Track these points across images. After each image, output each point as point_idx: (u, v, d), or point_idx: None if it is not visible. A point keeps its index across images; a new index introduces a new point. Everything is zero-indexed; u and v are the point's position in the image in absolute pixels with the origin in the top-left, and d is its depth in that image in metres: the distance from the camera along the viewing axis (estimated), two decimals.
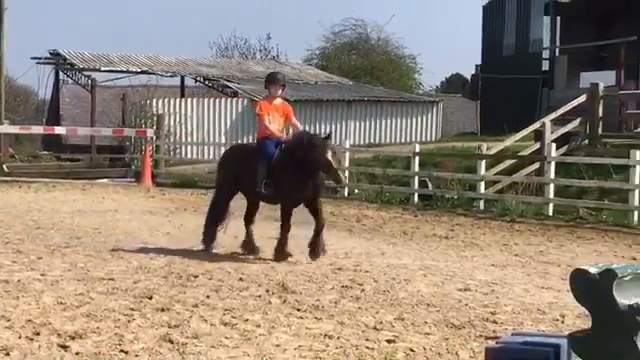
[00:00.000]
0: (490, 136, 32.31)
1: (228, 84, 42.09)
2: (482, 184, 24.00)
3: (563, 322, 9.87)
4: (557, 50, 41.38)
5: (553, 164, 22.78)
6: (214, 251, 14.41)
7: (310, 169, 13.30)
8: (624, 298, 5.71)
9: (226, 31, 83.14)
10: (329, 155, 13.20)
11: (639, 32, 35.02)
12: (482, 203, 23.51)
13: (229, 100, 40.31)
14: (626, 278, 5.79)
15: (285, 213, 13.73)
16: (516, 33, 43.34)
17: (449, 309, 10.54)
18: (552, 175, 22.52)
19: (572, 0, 41.13)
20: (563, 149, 24.70)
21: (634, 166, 20.32)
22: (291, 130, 14.80)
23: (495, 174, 24.63)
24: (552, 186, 22.29)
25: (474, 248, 16.41)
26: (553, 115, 25.77)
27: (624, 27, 36.99)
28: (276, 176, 13.58)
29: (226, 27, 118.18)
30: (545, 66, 41.86)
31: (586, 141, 25.52)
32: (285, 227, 13.64)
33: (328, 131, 16.90)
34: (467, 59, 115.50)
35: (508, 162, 25.09)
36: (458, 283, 12.41)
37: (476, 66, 47.34)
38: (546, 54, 42.18)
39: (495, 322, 9.86)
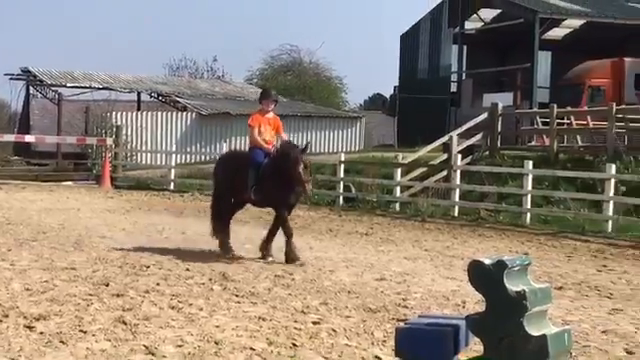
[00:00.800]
0: (406, 148, 32.48)
1: (178, 99, 41.92)
2: (398, 189, 24.22)
3: (464, 307, 9.97)
4: (463, 74, 41.90)
5: (459, 172, 23.04)
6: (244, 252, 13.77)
7: (288, 178, 12.82)
8: (513, 285, 5.82)
9: (177, 53, 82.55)
10: (300, 168, 12.63)
11: (532, 60, 35.65)
12: (398, 205, 23.66)
13: (179, 114, 40.16)
14: (515, 269, 5.90)
15: (281, 219, 13.27)
16: (429, 59, 43.71)
17: (367, 295, 10.61)
18: (458, 181, 22.76)
19: (477, 32, 41.75)
20: (467, 159, 24.97)
21: (527, 174, 20.64)
22: (279, 141, 13.93)
23: (409, 180, 24.83)
24: (458, 191, 22.52)
25: (390, 244, 16.50)
26: (459, 130, 26.08)
27: (520, 55, 37.64)
28: (264, 183, 13.07)
29: (177, 49, 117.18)
30: (453, 88, 42.41)
31: (487, 152, 25.79)
32: (287, 232, 13.13)
33: (306, 142, 15.77)
34: (387, 81, 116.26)
35: (420, 170, 25.28)
36: (375, 273, 12.49)
37: (394, 87, 47.73)
38: (454, 77, 42.70)
39: (406, 307, 9.94)
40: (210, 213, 14.33)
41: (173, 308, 9.32)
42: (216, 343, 7.83)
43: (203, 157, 33.50)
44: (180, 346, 7.70)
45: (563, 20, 39.33)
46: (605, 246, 16.91)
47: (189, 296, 10.04)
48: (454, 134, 25.24)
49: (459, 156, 23.87)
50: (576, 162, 23.04)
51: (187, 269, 12.09)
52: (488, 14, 41.23)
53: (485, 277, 5.85)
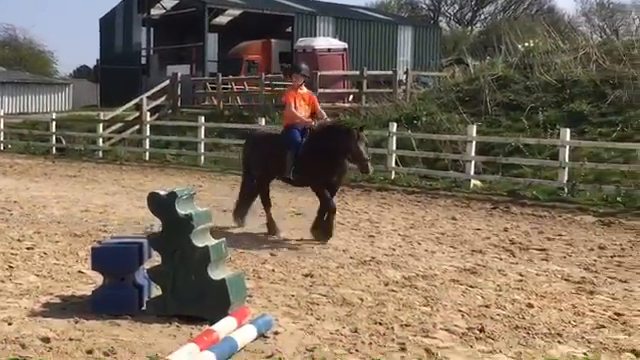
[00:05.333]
0: (107, 108, 31.36)
1: None
2: (100, 140, 23.49)
3: (151, 229, 9.76)
4: (151, 50, 41.20)
5: (148, 126, 22.70)
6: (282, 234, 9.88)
7: (339, 156, 9.37)
8: (182, 210, 5.80)
9: None
10: (362, 145, 9.24)
11: (203, 40, 35.68)
12: (101, 153, 22.92)
13: None
14: (184, 197, 5.89)
15: (320, 194, 9.61)
16: (123, 37, 42.29)
17: (74, 224, 10.17)
18: (148, 133, 22.41)
19: (160, 17, 41.19)
20: (155, 116, 24.60)
21: (201, 126, 20.77)
22: (317, 119, 10.11)
23: (109, 133, 24.10)
24: (148, 140, 22.23)
25: (94, 183, 15.90)
26: (148, 93, 25.56)
27: (194, 36, 37.53)
28: (304, 163, 9.52)
29: None
30: (144, 61, 41.51)
31: (170, 111, 25.55)
32: (326, 206, 9.53)
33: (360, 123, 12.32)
34: (92, 54, 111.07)
35: (118, 125, 24.62)
36: (81, 207, 12.00)
37: (97, 59, 46.11)
38: (144, 53, 41.83)
39: (105, 231, 9.65)
40: (239, 195, 10.67)
41: None
42: None
43: None
44: None
45: (226, 10, 39.75)
46: None
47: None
48: (144, 97, 24.70)
49: (148, 114, 23.57)
50: (237, 117, 23.44)
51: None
52: (169, 3, 40.73)
53: (160, 205, 5.81)
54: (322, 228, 9.51)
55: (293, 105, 9.86)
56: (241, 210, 10.48)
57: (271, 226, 9.96)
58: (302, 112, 9.87)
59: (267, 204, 10.16)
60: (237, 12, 40.36)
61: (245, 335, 5.23)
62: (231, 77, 27.86)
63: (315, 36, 34.84)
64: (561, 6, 71.56)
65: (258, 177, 10.28)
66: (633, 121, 15.59)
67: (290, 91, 10.25)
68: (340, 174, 9.72)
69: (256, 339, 5.32)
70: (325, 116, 10.16)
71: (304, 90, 10.19)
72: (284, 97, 10.38)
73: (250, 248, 8.82)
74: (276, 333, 5.51)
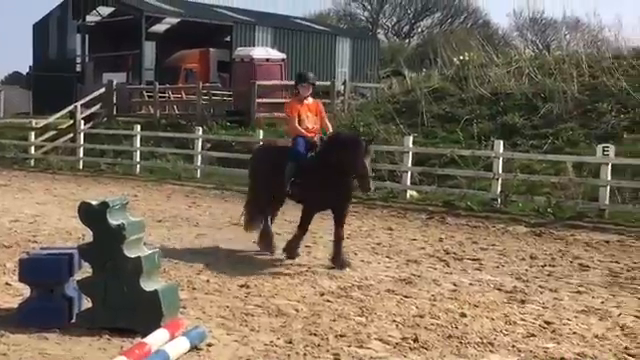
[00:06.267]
0: (40, 115, 30.65)
1: None
2: (32, 148, 22.97)
3: (83, 239, 9.61)
4: (87, 57, 40.53)
5: (82, 134, 22.33)
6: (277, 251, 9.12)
7: (342, 172, 8.36)
8: (114, 220, 5.69)
9: None
10: (367, 161, 8.28)
11: (140, 48, 35.30)
12: (33, 161, 22.41)
13: None
14: (116, 207, 5.77)
15: (305, 214, 8.79)
16: (58, 44, 41.53)
17: (2, 235, 9.89)
18: (82, 141, 22.03)
19: (96, 24, 40.60)
20: (90, 124, 24.15)
21: (136, 135, 20.54)
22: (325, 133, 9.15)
23: (42, 141, 23.55)
24: (82, 149, 21.87)
25: (25, 192, 15.52)
26: (83, 101, 25.06)
27: (131, 43, 37.07)
28: (305, 176, 8.69)
29: None
30: (78, 68, 40.81)
31: (105, 119, 25.10)
32: (302, 228, 8.77)
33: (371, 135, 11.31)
34: (24, 60, 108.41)
35: (51, 132, 24.04)
36: (10, 216, 11.68)
37: (30, 66, 44.97)
38: (79, 60, 41.14)
39: (35, 242, 9.42)
40: (246, 211, 9.75)
41: None
42: None
43: None
44: None
45: (164, 18, 39.39)
46: (195, 188, 17.24)
47: None
48: (78, 104, 24.23)
49: (83, 122, 23.16)
50: (174, 126, 23.19)
51: None
52: (105, 10, 40.11)
53: (91, 214, 5.69)
54: (286, 249, 8.78)
55: (296, 120, 8.90)
56: (264, 233, 9.28)
57: (264, 241, 9.23)
58: (310, 125, 8.95)
59: (266, 220, 9.31)
60: (175, 20, 40.02)
61: (178, 347, 5.15)
62: (168, 86, 27.60)
63: (254, 46, 34.77)
64: (496, 21, 73.03)
65: (261, 192, 9.38)
66: (563, 134, 15.99)
67: (293, 102, 9.21)
68: (346, 196, 8.68)
69: (189, 351, 5.24)
70: (330, 128, 9.26)
71: (310, 100, 9.13)
72: (286, 109, 9.41)
73: (185, 259, 8.70)
74: (210, 345, 5.44)
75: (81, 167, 21.28)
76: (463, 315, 6.52)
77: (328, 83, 24.76)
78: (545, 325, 6.33)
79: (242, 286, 7.40)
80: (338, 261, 8.46)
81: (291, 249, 8.80)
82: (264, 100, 22.72)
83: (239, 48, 32.74)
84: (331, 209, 8.70)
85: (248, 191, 9.99)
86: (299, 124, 8.93)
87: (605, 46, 21.77)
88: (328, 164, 8.37)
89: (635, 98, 16.07)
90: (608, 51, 20.06)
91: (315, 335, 5.79)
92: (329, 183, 8.41)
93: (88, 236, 9.55)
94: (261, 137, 17.67)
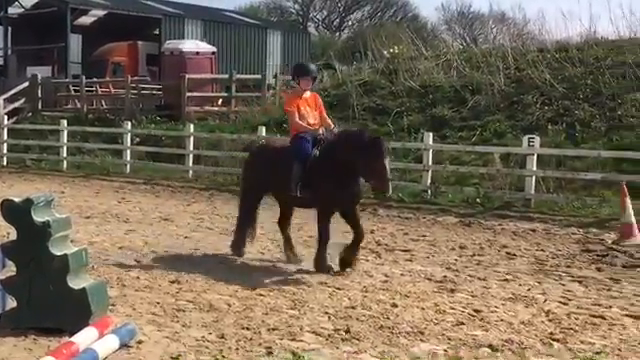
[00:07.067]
0: None
1: None
2: None
3: (8, 237, 9.37)
4: (9, 50, 39.35)
5: (6, 130, 21.65)
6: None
7: (355, 171, 7.87)
8: (39, 217, 5.57)
9: None
10: (387, 161, 7.69)
11: (66, 40, 34.54)
12: None
13: None
14: (40, 204, 5.64)
15: (323, 219, 8.14)
16: None
17: None
18: (5, 137, 21.42)
19: (19, 16, 39.47)
20: (14, 119, 23.50)
21: (63, 130, 20.11)
22: (326, 128, 8.45)
23: None
24: (5, 145, 21.31)
25: None
26: (5, 96, 24.34)
27: (56, 36, 36.17)
28: (314, 177, 8.00)
29: None
30: (0, 62, 39.58)
31: (30, 114, 24.47)
32: (324, 237, 8.11)
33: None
34: None
35: None
36: None
37: None
38: (1, 53, 39.89)
39: None
40: (238, 217, 8.96)
41: None
42: None
43: None
44: None
45: (90, 10, 38.53)
46: (125, 183, 16.98)
47: None
48: (1, 99, 23.53)
49: (6, 117, 22.43)
50: (102, 120, 22.76)
51: None
52: (29, 2, 38.97)
53: (15, 212, 5.54)
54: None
55: (297, 115, 8.29)
56: (241, 237, 8.74)
57: (237, 244, 8.73)
58: (310, 120, 8.34)
59: (250, 223, 8.75)
60: (101, 13, 39.17)
61: (107, 345, 5.06)
62: (95, 79, 27.04)
63: (183, 39, 34.34)
64: (425, 14, 74.08)
65: (251, 194, 8.79)
66: (491, 126, 16.32)
67: (292, 97, 8.59)
68: (358, 196, 8.24)
69: (119, 349, 5.16)
70: (331, 123, 8.58)
71: (308, 94, 8.49)
72: (286, 104, 8.77)
73: (115, 256, 8.57)
74: (140, 342, 5.36)
75: (5, 163, 20.70)
76: (394, 305, 6.60)
77: (259, 76, 24.71)
78: (474, 313, 6.46)
79: (173, 282, 7.32)
80: (348, 263, 8.03)
81: (322, 265, 7.98)
82: (194, 94, 22.49)
83: (168, 41, 32.28)
84: (342, 211, 8.16)
85: (241, 195, 9.17)
86: (300, 120, 8.30)
87: (530, 39, 22.33)
88: (340, 163, 7.78)
89: (558, 90, 16.53)
90: (533, 44, 20.58)
91: (247, 329, 5.77)
92: (343, 183, 7.88)
93: (13, 234, 9.39)
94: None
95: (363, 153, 7.58)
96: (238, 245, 8.69)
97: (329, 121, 8.57)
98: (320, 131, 8.25)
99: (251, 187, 8.83)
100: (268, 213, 9.15)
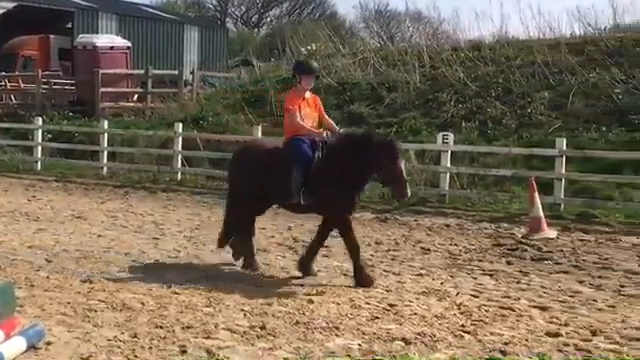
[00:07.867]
0: None
1: None
2: None
3: None
4: None
5: None
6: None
7: (365, 175, 7.43)
8: None
9: None
10: (402, 164, 7.30)
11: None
12: None
13: None
14: None
15: (344, 228, 7.53)
16: None
17: None
18: None
19: None
20: None
21: None
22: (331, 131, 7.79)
23: None
24: None
25: None
26: None
27: None
28: (318, 183, 7.41)
29: None
30: None
31: None
32: (353, 246, 7.50)
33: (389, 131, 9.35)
34: None
35: None
36: None
37: None
38: None
39: None
40: (224, 225, 8.39)
41: None
42: None
43: None
44: None
45: None
46: (35, 181, 16.51)
47: None
48: None
49: None
50: (11, 116, 22.03)
51: None
52: None
53: None
54: (357, 277, 7.40)
55: (298, 114, 7.68)
56: (249, 252, 8.01)
57: (249, 260, 7.96)
58: (309, 122, 7.76)
59: (249, 234, 8.02)
60: (11, 5, 37.83)
61: (14, 347, 4.91)
62: (4, 74, 26.15)
63: (97, 33, 33.58)
64: (343, 12, 74.65)
65: (245, 201, 7.99)
66: (407, 122, 16.59)
67: (293, 94, 7.91)
68: (359, 200, 7.87)
69: (26, 351, 5.01)
70: (333, 124, 7.95)
71: (308, 95, 7.90)
72: (286, 103, 7.91)
73: (23, 255, 8.31)
74: (49, 343, 5.22)
75: None
76: (310, 301, 6.63)
77: (176, 72, 24.41)
78: (388, 307, 6.55)
79: (85, 281, 7.15)
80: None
81: (365, 278, 7.40)
82: (109, 89, 22.03)
83: (81, 35, 31.49)
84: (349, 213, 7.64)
85: (228, 200, 8.47)
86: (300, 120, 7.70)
87: (444, 38, 22.78)
88: (349, 167, 7.25)
89: (472, 88, 16.93)
90: (447, 43, 21.01)
91: (161, 328, 5.69)
92: (353, 187, 7.42)
93: None
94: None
95: (376, 156, 7.16)
96: (250, 263, 7.92)
97: (332, 123, 7.98)
98: (324, 134, 7.67)
99: (249, 193, 7.91)
100: (183, 211, 9.05)
